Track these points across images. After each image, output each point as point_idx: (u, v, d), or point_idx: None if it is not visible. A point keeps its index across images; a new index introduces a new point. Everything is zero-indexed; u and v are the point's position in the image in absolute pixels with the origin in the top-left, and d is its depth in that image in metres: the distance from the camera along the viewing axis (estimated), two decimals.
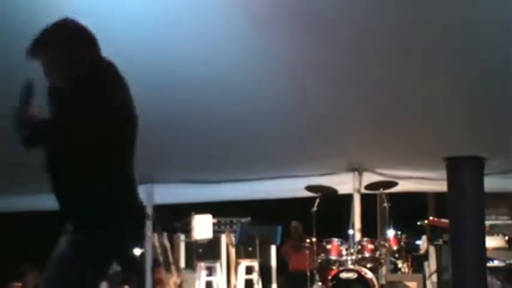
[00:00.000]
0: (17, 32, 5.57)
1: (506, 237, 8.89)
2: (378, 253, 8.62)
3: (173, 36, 5.98)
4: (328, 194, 9.18)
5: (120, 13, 5.60)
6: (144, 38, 5.98)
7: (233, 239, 10.06)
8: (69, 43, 3.50)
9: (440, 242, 8.45)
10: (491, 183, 6.85)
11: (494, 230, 9.50)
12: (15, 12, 5.46)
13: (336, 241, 8.78)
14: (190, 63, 6.42)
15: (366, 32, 5.98)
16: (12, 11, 5.46)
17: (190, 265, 10.33)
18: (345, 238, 9.11)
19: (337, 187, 9.44)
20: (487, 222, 7.74)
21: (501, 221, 11.41)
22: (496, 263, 8.22)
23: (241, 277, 10.02)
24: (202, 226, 9.95)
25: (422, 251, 9.63)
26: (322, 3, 5.66)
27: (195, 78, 6.72)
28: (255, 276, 9.86)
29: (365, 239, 8.86)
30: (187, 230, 10.26)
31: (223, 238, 10.15)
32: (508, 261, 8.44)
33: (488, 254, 7.20)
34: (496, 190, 9.35)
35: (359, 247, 8.69)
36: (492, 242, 8.37)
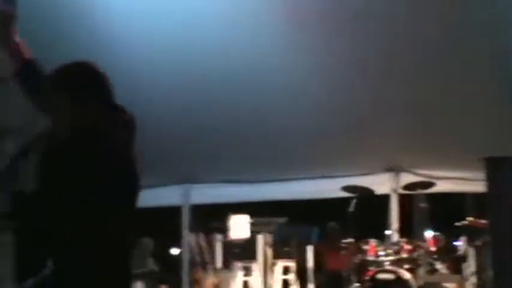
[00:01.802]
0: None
1: None
2: (415, 254, 8.54)
3: (215, 37, 6.00)
4: (364, 195, 9.12)
5: (164, 15, 5.65)
6: (186, 40, 6.01)
7: (270, 239, 10.05)
8: (70, 90, 3.09)
9: (479, 243, 8.35)
10: None
11: None
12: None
13: (373, 242, 8.72)
14: (229, 64, 6.44)
15: (405, 32, 5.95)
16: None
17: (227, 265, 10.35)
18: (382, 239, 9.05)
19: (374, 187, 9.38)
20: None
21: None
22: None
23: (278, 277, 10.02)
24: (239, 226, 9.96)
25: (461, 252, 9.52)
26: (362, 3, 5.64)
27: (235, 78, 6.73)
28: (291, 277, 9.85)
29: (402, 239, 8.79)
30: (224, 230, 10.28)
31: (260, 238, 10.16)
32: None
33: None
34: None
35: (396, 248, 8.62)
36: None
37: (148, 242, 11.46)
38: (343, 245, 9.07)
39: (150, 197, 10.41)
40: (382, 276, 8.22)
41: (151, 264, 11.37)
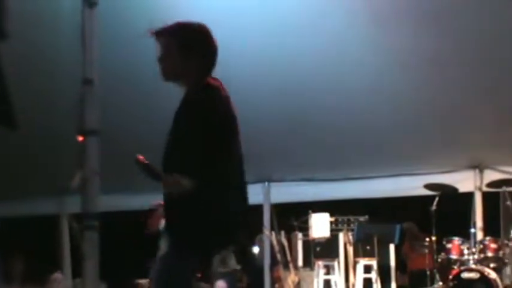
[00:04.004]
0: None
1: None
2: (501, 253, 8.36)
3: (295, 37, 6.03)
4: (448, 192, 8.98)
5: (243, 17, 5.71)
6: (266, 40, 6.07)
7: (351, 237, 10.01)
8: (188, 46, 3.66)
9: None
10: None
11: None
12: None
13: (456, 240, 8.58)
14: (311, 64, 6.46)
15: (490, 28, 5.86)
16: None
17: (308, 263, 10.36)
18: (466, 237, 8.89)
19: (457, 185, 9.23)
20: None
21: None
22: None
23: (359, 276, 9.97)
24: (320, 224, 9.97)
25: None
26: (444, 1, 5.59)
27: (315, 78, 6.75)
28: (373, 275, 9.78)
29: (487, 238, 8.63)
30: (304, 228, 10.29)
31: (341, 236, 10.13)
32: None
33: None
34: None
35: (481, 246, 8.46)
36: None
37: None
38: (425, 243, 8.96)
39: None
40: (466, 275, 8.09)
41: (234, 263, 11.47)
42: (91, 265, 3.90)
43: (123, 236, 12.71)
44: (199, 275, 12.26)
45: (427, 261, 8.87)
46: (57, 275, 10.62)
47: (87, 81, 3.97)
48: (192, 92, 3.64)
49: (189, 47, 3.66)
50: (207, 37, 3.72)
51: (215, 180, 3.51)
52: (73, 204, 4.27)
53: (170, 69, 3.70)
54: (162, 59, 3.72)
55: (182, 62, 3.66)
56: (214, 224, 3.53)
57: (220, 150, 3.54)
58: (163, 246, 3.76)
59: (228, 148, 3.62)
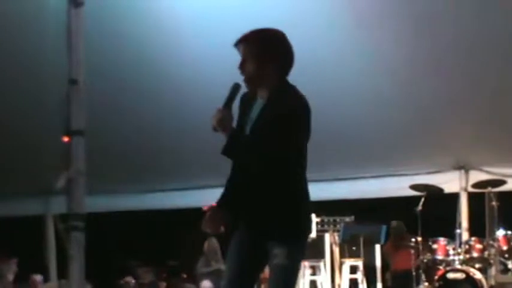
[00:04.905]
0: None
1: None
2: (486, 253, 8.40)
3: None
4: (433, 193, 9.02)
5: (224, 18, 5.71)
6: None
7: (337, 238, 10.01)
8: (266, 51, 3.79)
9: None
10: None
11: None
12: None
13: (442, 240, 8.62)
14: (295, 66, 6.46)
15: (470, 31, 5.90)
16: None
17: None
18: (452, 238, 8.93)
19: (442, 186, 9.26)
20: None
21: None
22: None
23: (345, 276, 9.98)
24: None
25: None
26: (427, 4, 5.63)
27: (299, 79, 6.75)
28: (359, 276, 9.78)
29: (473, 238, 8.67)
30: None
31: (327, 237, 10.13)
32: None
33: None
34: None
35: (466, 247, 8.50)
36: None
37: (214, 241, 11.56)
38: (410, 243, 8.99)
39: (215, 197, 10.61)
40: (452, 275, 8.13)
41: (219, 263, 11.47)
42: (77, 265, 3.90)
43: (109, 237, 12.70)
44: (185, 276, 12.29)
45: (412, 262, 8.90)
46: (36, 277, 10.58)
47: (73, 82, 3.96)
48: (275, 92, 3.83)
49: (264, 52, 3.78)
50: (281, 41, 3.85)
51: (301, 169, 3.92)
52: (59, 205, 4.26)
53: (249, 75, 3.80)
54: (241, 67, 3.82)
55: (258, 68, 3.77)
56: (307, 214, 3.98)
57: (303, 143, 3.90)
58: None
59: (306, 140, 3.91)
